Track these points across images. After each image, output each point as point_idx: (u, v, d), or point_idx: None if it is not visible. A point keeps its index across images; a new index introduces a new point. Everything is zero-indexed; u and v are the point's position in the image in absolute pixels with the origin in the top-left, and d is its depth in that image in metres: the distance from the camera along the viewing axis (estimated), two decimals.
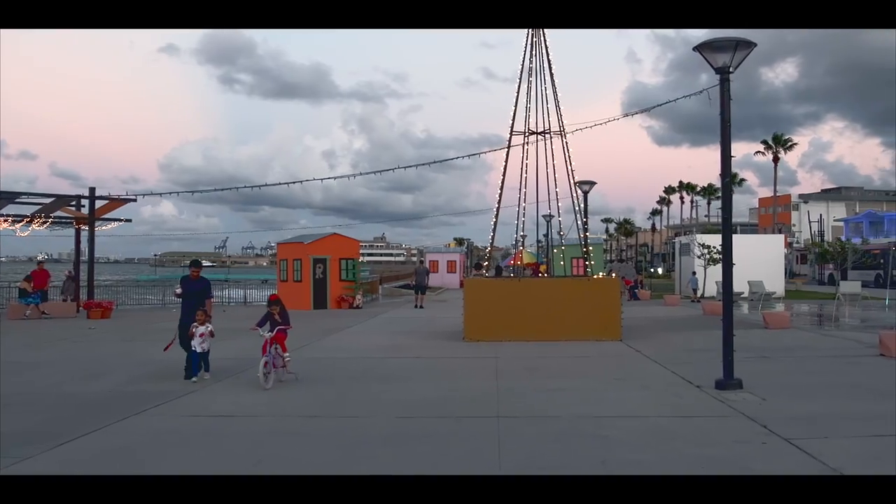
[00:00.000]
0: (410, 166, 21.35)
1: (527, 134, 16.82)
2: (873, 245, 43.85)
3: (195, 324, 10.33)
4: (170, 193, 23.38)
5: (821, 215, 68.17)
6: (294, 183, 21.85)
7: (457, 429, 7.34)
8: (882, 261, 37.30)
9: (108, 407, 8.52)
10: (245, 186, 24.01)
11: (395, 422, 7.65)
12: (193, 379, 10.13)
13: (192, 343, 10.29)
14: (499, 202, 16.93)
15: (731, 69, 9.23)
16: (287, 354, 10.16)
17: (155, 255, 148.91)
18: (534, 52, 16.75)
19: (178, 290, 11.37)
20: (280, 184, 22.31)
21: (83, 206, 25.94)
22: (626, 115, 20.49)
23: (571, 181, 17.01)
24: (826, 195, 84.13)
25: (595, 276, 16.84)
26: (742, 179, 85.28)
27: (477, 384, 9.94)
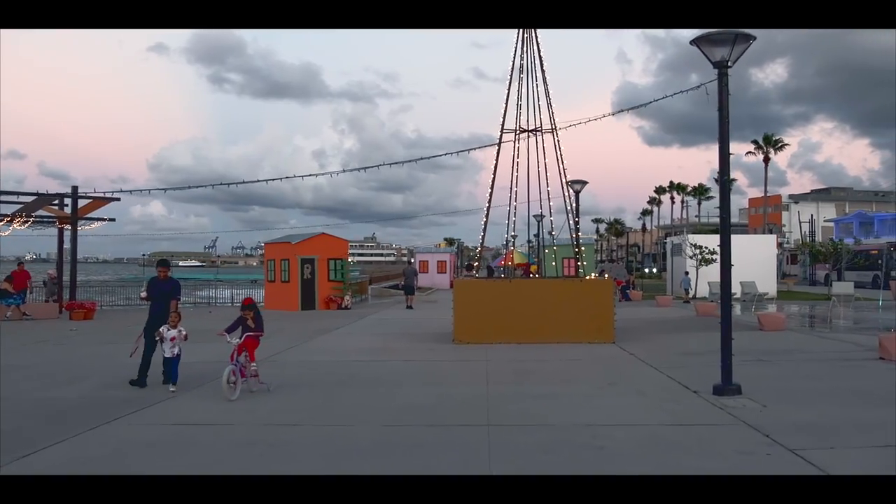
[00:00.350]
0: (396, 163, 20.92)
1: (518, 132, 16.51)
2: (871, 245, 43.17)
3: (166, 326, 9.67)
4: (140, 190, 22.80)
5: (812, 215, 68.18)
6: (274, 180, 21.38)
7: (445, 438, 7.00)
8: (880, 261, 36.67)
9: (80, 414, 8.14)
10: (222, 183, 23.42)
11: (381, 430, 7.30)
12: (171, 388, 9.49)
13: (163, 347, 9.65)
14: (489, 201, 16.60)
15: (729, 63, 8.91)
16: (254, 365, 9.35)
17: (143, 255, 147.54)
18: (525, 49, 16.45)
19: (144, 294, 10.62)
20: (258, 181, 21.91)
21: (66, 205, 25.45)
22: (622, 111, 20.20)
23: (563, 179, 16.70)
24: (816, 195, 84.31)
25: (587, 277, 16.54)
26: (732, 180, 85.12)
27: (467, 389, 9.60)
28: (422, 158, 20.07)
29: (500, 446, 6.58)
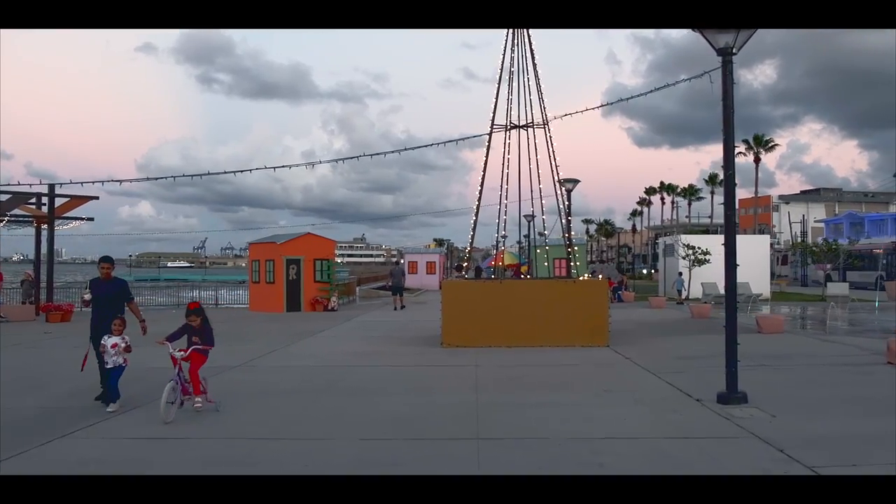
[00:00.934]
0: (378, 154, 20.12)
1: (508, 128, 15.94)
2: (873, 244, 42.17)
3: (107, 334, 8.32)
4: (105, 180, 21.96)
5: (803, 216, 67.96)
6: (242, 171, 20.67)
7: (430, 454, 6.39)
8: (885, 261, 35.64)
9: (35, 427, 7.49)
10: (186, 175, 22.69)
11: (358, 446, 6.67)
12: (109, 409, 8.18)
13: (105, 358, 8.29)
14: (479, 200, 16.02)
15: (734, 50, 8.33)
16: (199, 399, 7.87)
17: (130, 256, 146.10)
18: (515, 42, 15.90)
19: (87, 297, 9.14)
20: (226, 172, 21.24)
21: (44, 203, 24.71)
22: (620, 100, 19.63)
23: (555, 176, 16.13)
24: (806, 196, 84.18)
25: (581, 278, 15.98)
26: (723, 180, 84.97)
27: (454, 397, 8.99)
28: (405, 149, 19.47)
29: (491, 462, 5.99)
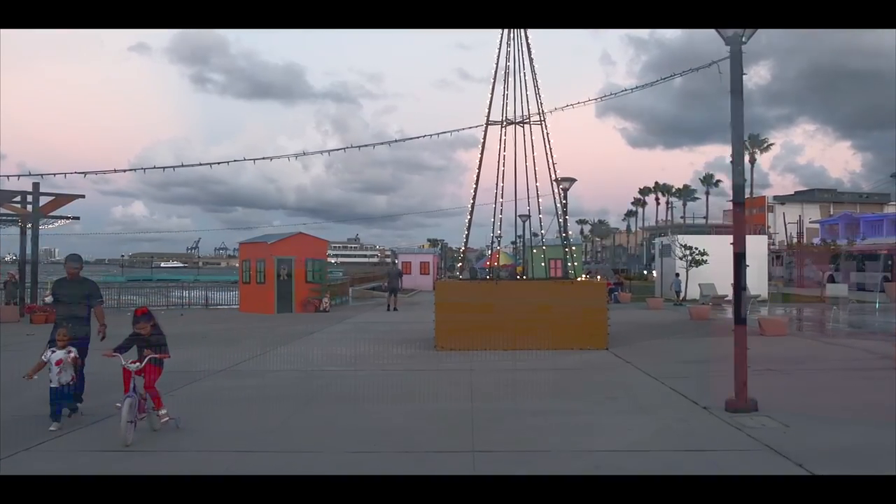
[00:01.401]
0: (366, 145, 19.63)
1: (504, 124, 15.51)
2: (879, 244, 41.56)
3: (52, 349, 7.42)
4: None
5: (800, 216, 67.68)
6: (220, 163, 20.19)
7: (422, 469, 5.93)
8: (889, 262, 35.03)
9: (2, 437, 7.00)
10: (157, 167, 21.82)
11: (345, 459, 6.22)
12: (52, 427, 7.28)
13: (50, 375, 7.36)
14: (474, 197, 15.58)
15: (743, 39, 7.93)
16: (164, 411, 7.19)
17: (123, 256, 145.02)
18: (511, 36, 15.48)
19: (48, 299, 8.25)
20: (201, 164, 20.93)
21: (29, 202, 24.21)
22: (624, 91, 19.25)
23: (552, 173, 15.69)
24: (800, 197, 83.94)
25: (578, 279, 15.56)
26: (718, 181, 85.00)
27: (448, 405, 8.55)
28: (395, 141, 19.15)
29: None
